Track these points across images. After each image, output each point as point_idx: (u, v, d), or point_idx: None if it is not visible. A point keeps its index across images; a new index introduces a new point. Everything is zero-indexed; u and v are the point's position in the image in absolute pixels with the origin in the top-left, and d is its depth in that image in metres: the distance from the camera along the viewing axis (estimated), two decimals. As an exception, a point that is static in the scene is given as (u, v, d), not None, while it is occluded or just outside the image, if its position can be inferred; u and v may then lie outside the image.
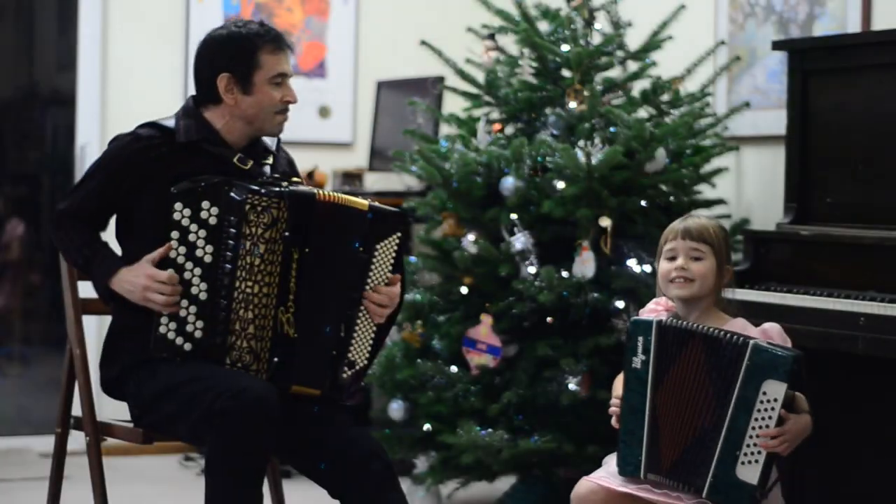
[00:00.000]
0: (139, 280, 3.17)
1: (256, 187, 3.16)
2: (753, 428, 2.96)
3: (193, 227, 3.16)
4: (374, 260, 3.26)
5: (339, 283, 3.23)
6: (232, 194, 3.15)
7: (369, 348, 3.30)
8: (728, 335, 3.00)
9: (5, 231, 7.09)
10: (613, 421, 3.15)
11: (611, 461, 3.17)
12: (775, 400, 2.94)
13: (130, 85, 5.79)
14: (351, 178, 5.76)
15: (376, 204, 3.28)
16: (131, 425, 3.35)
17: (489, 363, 4.34)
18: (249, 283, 3.14)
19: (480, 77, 4.70)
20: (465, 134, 4.69)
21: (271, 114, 3.30)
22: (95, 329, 5.25)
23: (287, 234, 3.15)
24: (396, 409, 4.61)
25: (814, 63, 4.02)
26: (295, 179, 3.30)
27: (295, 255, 3.17)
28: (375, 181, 5.86)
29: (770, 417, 2.94)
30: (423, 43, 4.74)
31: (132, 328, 3.25)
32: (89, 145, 5.73)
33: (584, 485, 3.12)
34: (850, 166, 3.90)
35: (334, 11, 6.08)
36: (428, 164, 4.52)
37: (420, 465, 4.56)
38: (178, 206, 3.15)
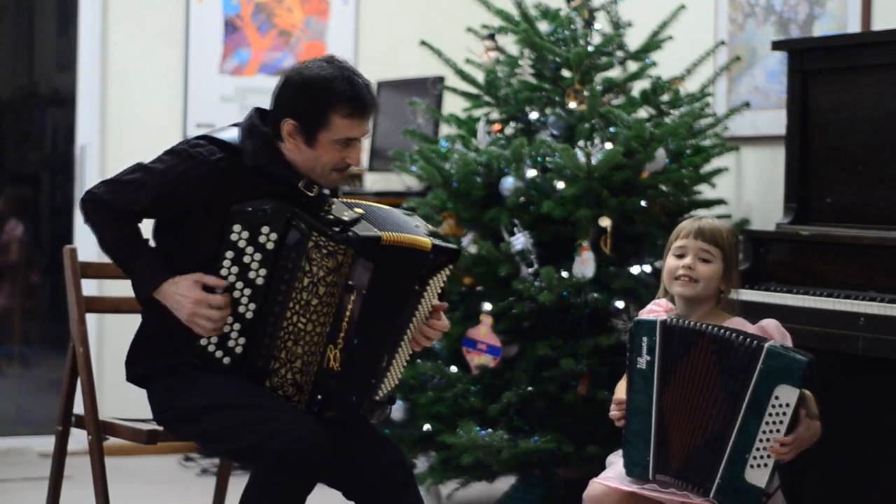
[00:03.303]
0: (188, 302, 3.09)
1: (322, 226, 3.07)
2: (764, 432, 2.95)
3: (249, 250, 3.09)
4: (425, 293, 3.23)
5: (392, 319, 3.20)
6: (294, 226, 3.07)
7: (400, 375, 3.31)
8: (740, 336, 2.99)
9: (4, 232, 7.09)
10: (617, 424, 3.15)
11: (616, 461, 3.17)
12: (787, 405, 2.93)
13: (130, 85, 5.79)
14: (351, 178, 5.76)
15: (437, 241, 3.21)
16: (134, 424, 3.35)
17: (489, 363, 4.34)
18: (303, 320, 3.09)
19: (480, 77, 4.70)
20: (465, 134, 4.69)
21: (328, 170, 3.17)
22: (96, 327, 5.26)
23: (350, 282, 3.08)
24: (396, 409, 4.61)
25: (814, 63, 4.02)
26: (358, 210, 3.16)
27: (352, 297, 3.10)
28: (375, 181, 5.86)
29: (781, 422, 2.93)
30: (423, 43, 4.74)
31: (164, 332, 3.19)
32: (89, 145, 5.73)
33: (597, 487, 3.12)
34: (850, 166, 3.91)
35: (334, 11, 6.09)
36: (428, 164, 4.52)
37: (420, 465, 4.57)
38: (236, 227, 3.08)
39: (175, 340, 3.15)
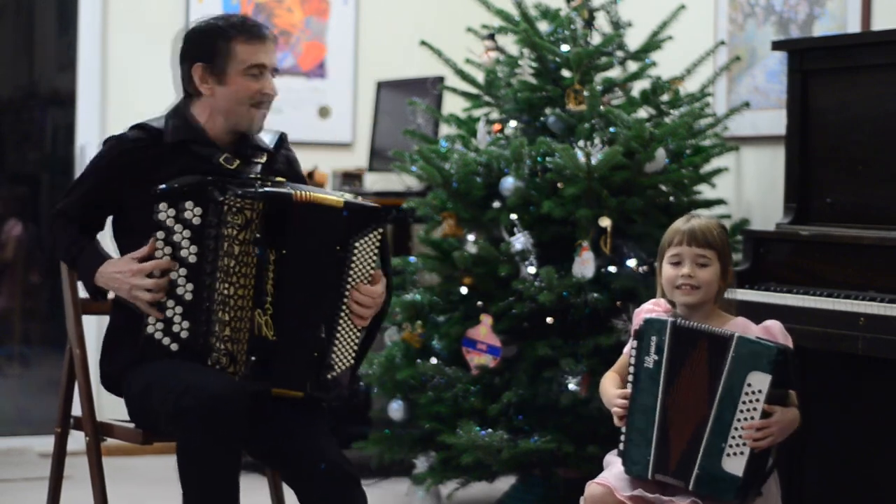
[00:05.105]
0: (125, 276, 3.17)
1: (235, 188, 3.14)
2: (738, 420, 2.96)
3: (178, 228, 3.14)
4: (354, 258, 3.22)
5: (318, 284, 3.20)
6: (213, 194, 3.13)
7: (354, 349, 3.26)
8: (721, 331, 3.01)
9: (3, 231, 7.10)
10: (616, 420, 3.14)
11: (614, 461, 3.16)
12: (759, 392, 2.95)
13: (130, 85, 5.78)
14: (351, 179, 5.76)
15: (352, 199, 3.24)
16: (131, 425, 3.36)
17: (489, 363, 4.34)
18: (226, 285, 3.12)
19: (480, 77, 4.70)
20: (465, 134, 4.69)
21: (246, 106, 3.26)
22: (95, 329, 5.25)
23: (258, 235, 3.12)
24: (396, 409, 4.61)
25: (814, 63, 4.02)
26: (279, 179, 3.24)
27: (271, 256, 3.14)
28: (375, 181, 5.86)
29: (755, 409, 2.95)
30: (423, 43, 4.74)
31: (129, 327, 3.23)
32: (89, 145, 5.73)
33: (596, 488, 3.11)
34: (850, 166, 3.90)
35: (334, 11, 6.08)
36: (428, 164, 4.52)
37: (420, 465, 4.56)
38: (161, 206, 3.13)
39: (136, 336, 3.19)
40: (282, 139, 3.42)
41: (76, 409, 3.44)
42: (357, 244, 3.23)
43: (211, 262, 3.13)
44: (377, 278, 3.27)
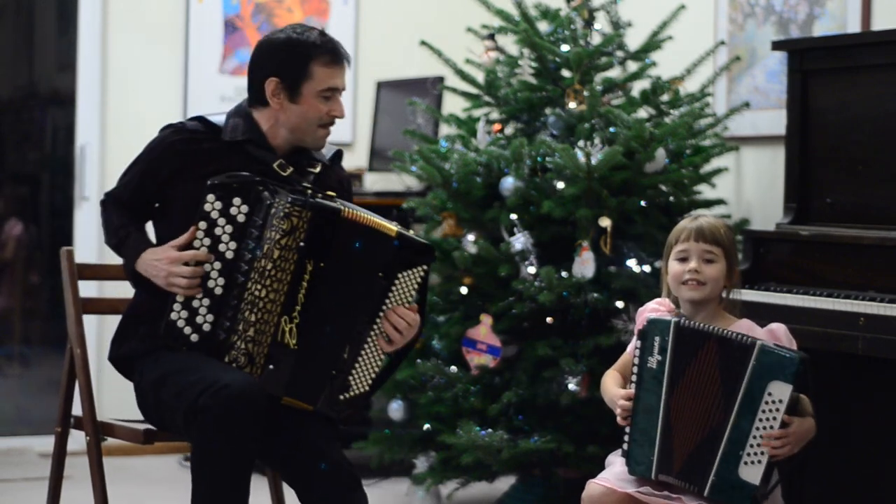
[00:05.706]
0: (163, 264, 3.16)
1: (285, 192, 3.14)
2: (757, 428, 2.96)
3: (221, 222, 3.14)
4: (394, 288, 3.22)
5: (352, 304, 3.19)
6: (263, 195, 3.13)
7: (373, 376, 3.25)
8: (738, 336, 3.01)
9: (3, 231, 7.10)
10: (620, 420, 3.13)
11: (615, 461, 3.16)
12: (780, 401, 2.94)
13: (130, 85, 5.79)
14: (351, 179, 5.75)
15: (405, 232, 3.23)
16: (132, 425, 3.36)
17: (489, 363, 4.34)
18: (258, 287, 3.12)
19: (480, 77, 4.70)
20: (465, 134, 4.69)
21: (314, 126, 3.26)
22: (95, 329, 5.26)
23: (302, 244, 3.12)
24: (396, 409, 4.61)
25: (814, 63, 4.02)
26: (330, 193, 3.22)
27: (309, 266, 3.13)
28: (375, 181, 5.86)
29: (774, 419, 2.95)
30: (423, 43, 4.74)
31: (150, 313, 3.23)
32: (89, 145, 5.73)
33: (595, 487, 3.11)
34: (850, 166, 3.91)
35: (334, 11, 6.08)
36: (428, 164, 4.52)
37: (420, 465, 4.56)
38: (210, 197, 3.13)
39: (156, 322, 3.19)
40: (337, 155, 3.41)
41: (76, 409, 3.45)
42: (400, 275, 3.23)
43: (248, 261, 3.13)
44: (412, 310, 3.27)
